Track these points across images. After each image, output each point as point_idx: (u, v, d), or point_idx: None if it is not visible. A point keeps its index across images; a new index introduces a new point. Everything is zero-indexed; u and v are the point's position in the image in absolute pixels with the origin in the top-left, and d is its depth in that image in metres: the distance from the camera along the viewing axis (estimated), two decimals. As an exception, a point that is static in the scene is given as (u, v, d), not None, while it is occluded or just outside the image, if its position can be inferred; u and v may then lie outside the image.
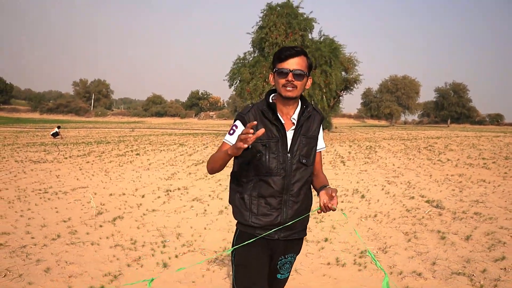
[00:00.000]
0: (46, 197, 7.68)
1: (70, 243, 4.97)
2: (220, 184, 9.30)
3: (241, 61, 27.96)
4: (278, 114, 2.12)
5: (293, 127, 2.16)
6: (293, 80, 2.07)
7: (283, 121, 2.12)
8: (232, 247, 2.21)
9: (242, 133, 1.79)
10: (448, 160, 13.72)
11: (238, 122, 2.13)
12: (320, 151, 2.31)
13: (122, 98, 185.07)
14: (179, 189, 8.77)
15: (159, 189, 8.76)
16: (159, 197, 7.95)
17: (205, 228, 5.73)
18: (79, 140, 24.90)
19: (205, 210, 6.80)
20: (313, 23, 27.26)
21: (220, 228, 5.77)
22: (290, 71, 2.07)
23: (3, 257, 4.42)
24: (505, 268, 4.26)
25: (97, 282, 3.81)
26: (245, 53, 28.39)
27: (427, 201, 7.60)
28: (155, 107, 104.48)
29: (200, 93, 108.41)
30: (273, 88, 2.21)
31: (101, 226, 5.78)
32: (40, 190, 8.38)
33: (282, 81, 2.08)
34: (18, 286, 3.69)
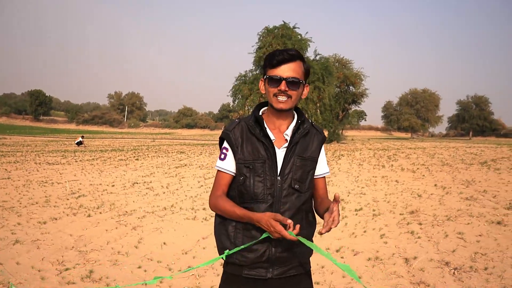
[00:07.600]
0: (43, 185, 10.70)
1: (41, 206, 7.90)
2: (179, 180, 12.08)
3: (242, 77, 31.05)
4: (266, 129, 1.88)
5: (285, 144, 1.90)
6: (287, 89, 1.82)
7: (273, 138, 1.88)
8: None
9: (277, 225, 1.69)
10: (392, 166, 16.00)
11: (226, 144, 1.93)
12: (324, 177, 2.07)
13: (158, 110, 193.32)
14: (145, 182, 11.60)
15: (129, 181, 11.65)
16: (125, 186, 10.80)
17: (134, 202, 8.53)
18: (99, 148, 28.45)
19: (146, 194, 9.60)
20: (308, 43, 29.99)
21: (144, 202, 8.56)
22: (283, 79, 1.81)
23: (-3, 210, 7.41)
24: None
25: (43, 219, 6.70)
26: (246, 71, 31.55)
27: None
28: (186, 119, 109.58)
29: (231, 105, 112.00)
30: (265, 101, 1.99)
31: (67, 199, 8.69)
32: (42, 181, 11.43)
33: (273, 90, 1.84)
34: (-1, 220, 6.64)
